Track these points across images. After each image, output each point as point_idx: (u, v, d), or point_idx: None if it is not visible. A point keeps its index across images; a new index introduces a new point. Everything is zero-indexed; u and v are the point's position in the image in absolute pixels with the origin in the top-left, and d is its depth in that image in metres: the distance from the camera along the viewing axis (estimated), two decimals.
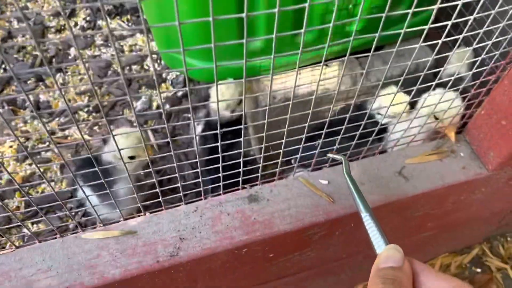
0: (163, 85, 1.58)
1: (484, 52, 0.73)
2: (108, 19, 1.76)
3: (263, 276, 0.99)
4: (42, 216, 0.72)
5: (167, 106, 1.53)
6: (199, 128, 1.22)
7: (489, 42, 0.69)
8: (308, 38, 1.10)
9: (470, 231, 1.28)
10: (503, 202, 1.13)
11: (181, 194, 0.79)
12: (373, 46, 0.61)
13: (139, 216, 0.82)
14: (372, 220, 0.64)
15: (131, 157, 1.02)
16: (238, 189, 0.86)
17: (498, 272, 1.34)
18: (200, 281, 0.88)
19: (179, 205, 0.84)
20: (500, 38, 0.70)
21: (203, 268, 0.83)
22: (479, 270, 1.35)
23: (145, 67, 1.64)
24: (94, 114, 1.53)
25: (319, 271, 1.11)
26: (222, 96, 1.08)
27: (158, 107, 1.52)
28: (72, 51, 1.67)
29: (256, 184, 0.87)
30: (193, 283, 0.87)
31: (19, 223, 0.71)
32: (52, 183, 1.37)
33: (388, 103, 0.78)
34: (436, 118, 0.93)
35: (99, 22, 1.77)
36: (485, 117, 0.88)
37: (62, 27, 1.74)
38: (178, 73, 1.60)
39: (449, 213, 1.04)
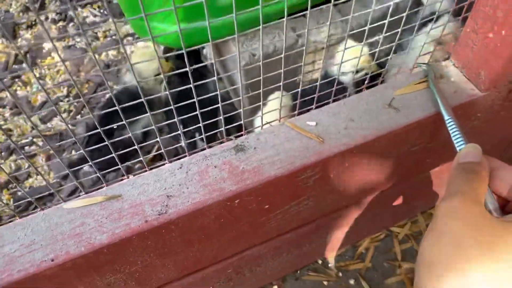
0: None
1: None
2: (80, 8, 1.72)
3: (262, 233, 0.95)
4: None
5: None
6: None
7: None
8: None
9: None
10: (501, 131, 1.09)
11: (162, 150, 0.75)
12: None
13: (121, 179, 0.78)
14: (454, 122, 0.73)
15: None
16: (223, 141, 0.82)
17: None
18: (196, 242, 0.84)
19: (163, 164, 0.80)
20: None
21: (197, 226, 0.79)
22: None
23: (122, 51, 1.60)
24: (75, 104, 1.49)
25: (321, 224, 1.07)
26: None
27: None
28: (46, 45, 1.63)
29: (241, 135, 0.83)
30: (189, 244, 0.83)
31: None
32: (39, 177, 1.34)
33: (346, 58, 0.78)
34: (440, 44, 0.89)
35: (70, 12, 1.72)
36: (471, 34, 0.84)
37: (33, 23, 1.70)
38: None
39: (447, 145, 1.00)
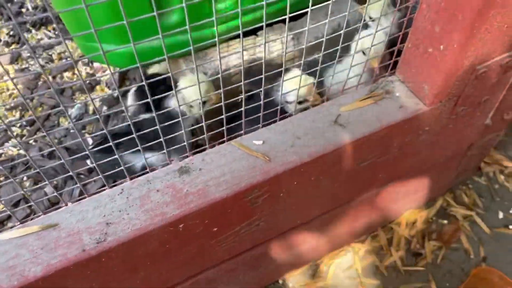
0: (97, 87, 1.51)
1: None
2: (33, 30, 1.68)
3: (213, 256, 0.92)
4: None
5: (104, 108, 1.46)
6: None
7: None
8: (229, 5, 1.05)
9: (429, 182, 1.25)
10: (453, 143, 1.10)
11: (101, 175, 0.72)
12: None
13: (60, 207, 0.75)
14: None
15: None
16: (167, 164, 0.80)
17: (465, 220, 1.31)
18: (142, 269, 0.81)
19: (103, 190, 0.77)
20: None
21: (140, 252, 0.76)
22: (445, 221, 1.32)
23: (77, 73, 1.56)
24: (28, 128, 1.44)
25: (276, 243, 1.06)
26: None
27: (94, 112, 1.45)
28: None
29: (186, 156, 0.81)
30: (134, 271, 0.80)
31: None
32: None
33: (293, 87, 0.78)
34: (364, 54, 0.90)
35: (24, 34, 1.68)
36: (412, 49, 0.85)
37: None
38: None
39: (399, 160, 1.00)
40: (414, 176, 1.16)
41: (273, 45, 1.18)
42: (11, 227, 0.73)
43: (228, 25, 1.11)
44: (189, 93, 0.95)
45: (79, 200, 0.76)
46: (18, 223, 0.73)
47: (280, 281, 1.20)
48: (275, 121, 0.85)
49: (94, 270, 0.73)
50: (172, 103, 1.00)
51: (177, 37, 1.06)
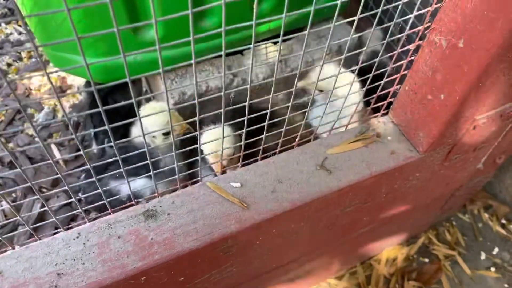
0: (69, 91, 1.40)
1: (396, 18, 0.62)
2: (3, 23, 1.56)
3: None
4: None
5: (74, 114, 1.35)
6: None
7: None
8: (213, 23, 0.97)
9: (413, 221, 1.20)
10: (442, 186, 1.05)
11: (54, 218, 0.64)
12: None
13: (5, 251, 0.66)
14: None
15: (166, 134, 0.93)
16: (132, 205, 0.71)
17: (446, 260, 1.26)
18: None
19: (57, 233, 0.68)
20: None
21: None
22: (427, 260, 1.26)
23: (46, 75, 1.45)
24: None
25: (255, 282, 0.98)
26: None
27: (63, 117, 1.35)
28: None
29: (154, 197, 0.73)
30: None
31: None
32: None
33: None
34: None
35: None
36: (409, 93, 0.78)
37: None
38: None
39: (385, 205, 0.94)
40: (398, 217, 1.10)
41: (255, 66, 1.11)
42: None
43: (213, 43, 1.03)
44: (149, 122, 0.87)
45: (35, 228, 0.67)
46: None
47: None
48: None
49: None
50: (134, 132, 0.92)
51: (155, 53, 0.98)
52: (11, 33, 1.52)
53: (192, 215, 0.71)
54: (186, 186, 0.75)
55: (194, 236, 0.69)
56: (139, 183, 0.95)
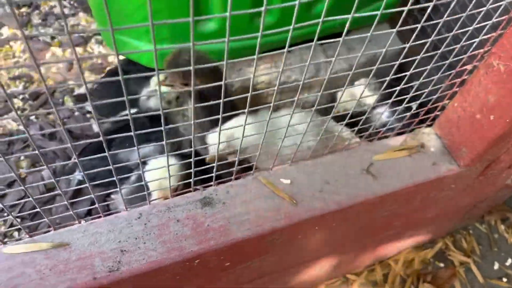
0: (108, 69, 1.44)
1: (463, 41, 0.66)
2: None
3: (218, 285, 0.89)
4: None
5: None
6: None
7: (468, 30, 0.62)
8: (268, 20, 1.00)
9: (435, 227, 1.24)
10: (470, 197, 1.09)
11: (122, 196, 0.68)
12: (346, 28, 0.51)
13: (72, 224, 0.70)
14: None
15: None
16: (190, 191, 0.76)
17: (461, 267, 1.31)
18: None
19: (120, 212, 0.73)
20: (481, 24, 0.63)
21: (149, 283, 0.72)
22: (442, 264, 1.32)
23: (89, 49, 1.49)
24: (30, 102, 1.37)
25: (279, 276, 1.03)
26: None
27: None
28: (5, 31, 1.49)
29: (210, 185, 0.77)
30: None
31: None
32: None
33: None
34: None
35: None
36: (458, 109, 0.82)
37: None
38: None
39: (417, 211, 0.99)
40: (423, 223, 1.15)
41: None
42: (17, 240, 0.68)
43: (266, 40, 1.05)
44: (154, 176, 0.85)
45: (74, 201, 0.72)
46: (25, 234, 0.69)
47: None
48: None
49: None
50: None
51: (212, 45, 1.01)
52: (54, 6, 1.55)
53: (245, 206, 0.75)
54: (238, 178, 0.79)
55: (247, 226, 0.73)
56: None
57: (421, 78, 0.75)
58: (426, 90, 0.78)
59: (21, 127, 1.31)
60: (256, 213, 0.74)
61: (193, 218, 0.73)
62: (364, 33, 0.57)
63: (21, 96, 1.36)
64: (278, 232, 0.75)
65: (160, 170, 0.88)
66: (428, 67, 0.70)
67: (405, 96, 0.78)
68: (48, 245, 0.67)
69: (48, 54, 1.44)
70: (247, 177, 0.79)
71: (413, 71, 0.72)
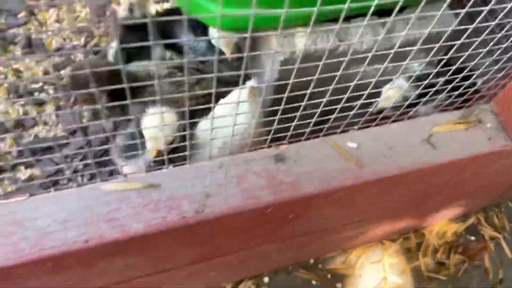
0: None
1: None
2: None
3: (279, 234, 0.97)
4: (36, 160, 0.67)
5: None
6: None
7: None
8: None
9: (472, 201, 1.30)
10: (510, 175, 1.14)
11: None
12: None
13: (161, 168, 0.78)
14: None
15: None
16: (264, 147, 0.82)
17: (491, 241, 1.37)
18: (218, 237, 0.85)
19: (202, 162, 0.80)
20: None
21: (226, 226, 0.80)
22: (473, 238, 1.38)
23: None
24: (92, 56, 1.43)
25: (328, 232, 1.11)
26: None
27: None
28: None
29: (283, 143, 0.83)
30: (211, 238, 0.85)
31: (12, 167, 0.66)
32: (47, 127, 1.30)
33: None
34: None
35: None
36: None
37: None
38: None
39: (465, 183, 1.04)
40: (464, 196, 1.21)
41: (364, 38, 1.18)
42: (108, 178, 0.76)
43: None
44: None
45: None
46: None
47: (311, 261, 1.27)
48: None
49: (185, 235, 0.77)
50: None
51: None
52: None
53: (314, 165, 0.81)
54: (308, 139, 0.85)
55: (316, 183, 0.80)
56: None
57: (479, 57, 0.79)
58: (483, 69, 0.82)
59: None
60: (324, 172, 0.81)
61: (268, 172, 0.79)
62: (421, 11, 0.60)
63: (82, 50, 1.42)
64: (344, 190, 0.81)
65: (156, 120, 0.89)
66: (485, 49, 0.74)
67: (465, 73, 0.82)
68: (141, 185, 0.75)
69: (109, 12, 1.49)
70: (315, 139, 0.85)
71: (472, 51, 0.76)
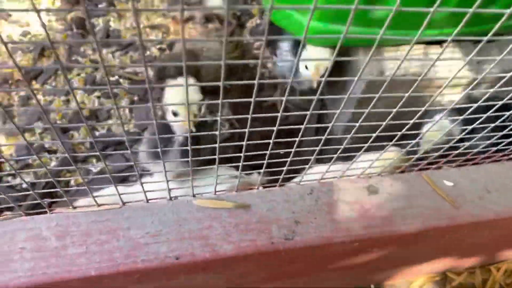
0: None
1: None
2: None
3: (354, 269, 0.94)
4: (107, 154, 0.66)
5: None
6: None
7: None
8: (439, 16, 0.99)
9: None
10: None
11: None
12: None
13: (251, 189, 0.76)
14: None
15: (174, 114, 0.95)
16: (353, 176, 0.79)
17: None
18: (299, 263, 0.83)
19: (291, 184, 0.78)
20: None
21: (312, 255, 0.78)
22: None
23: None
24: (167, 52, 1.43)
25: (408, 262, 1.07)
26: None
27: None
28: None
29: (375, 174, 0.80)
30: (292, 263, 0.83)
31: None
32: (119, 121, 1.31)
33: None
34: None
35: None
36: None
37: None
38: (258, 22, 1.50)
39: None
40: None
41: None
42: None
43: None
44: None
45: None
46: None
47: (372, 286, 1.23)
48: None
49: (272, 260, 0.75)
50: None
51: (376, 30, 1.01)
52: None
53: (408, 200, 0.78)
54: (403, 171, 0.82)
55: (410, 220, 0.76)
56: None
57: None
58: None
59: None
60: (418, 209, 0.77)
61: (360, 204, 0.76)
62: None
63: (158, 46, 1.42)
64: (437, 230, 0.78)
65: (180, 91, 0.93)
66: None
67: None
68: (232, 204, 0.73)
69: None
70: (410, 173, 0.81)
71: None
